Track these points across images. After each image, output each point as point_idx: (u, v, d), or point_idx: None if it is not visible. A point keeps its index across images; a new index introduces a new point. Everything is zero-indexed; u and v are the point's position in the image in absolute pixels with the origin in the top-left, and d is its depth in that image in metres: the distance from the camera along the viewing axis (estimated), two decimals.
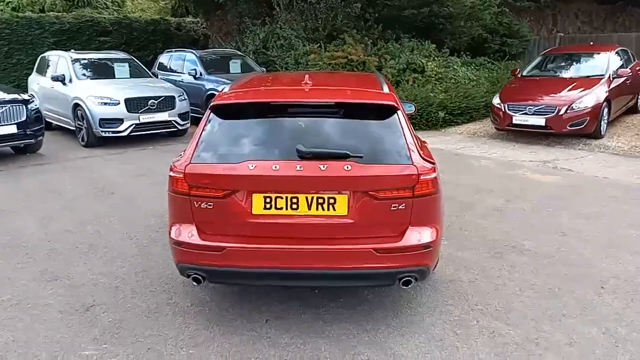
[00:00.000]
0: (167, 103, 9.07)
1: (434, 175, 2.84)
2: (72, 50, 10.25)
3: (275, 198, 2.80)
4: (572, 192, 5.83)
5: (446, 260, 3.94)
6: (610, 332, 3.02)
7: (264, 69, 11.73)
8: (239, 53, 12.42)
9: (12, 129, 7.43)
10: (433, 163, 2.90)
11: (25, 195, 6.03)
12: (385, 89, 3.34)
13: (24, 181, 6.71)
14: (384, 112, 3.00)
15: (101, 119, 8.53)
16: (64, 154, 8.30)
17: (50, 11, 15.85)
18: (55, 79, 9.39)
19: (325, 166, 2.74)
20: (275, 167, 2.76)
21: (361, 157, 2.78)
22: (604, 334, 3.01)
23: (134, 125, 8.70)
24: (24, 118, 7.55)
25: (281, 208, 2.80)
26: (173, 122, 9.18)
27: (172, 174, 2.93)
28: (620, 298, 3.42)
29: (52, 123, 9.82)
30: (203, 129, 2.99)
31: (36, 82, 10.42)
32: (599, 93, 8.23)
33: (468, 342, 2.95)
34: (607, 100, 8.32)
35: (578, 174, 6.65)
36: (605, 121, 8.49)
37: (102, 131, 8.58)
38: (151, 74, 10.63)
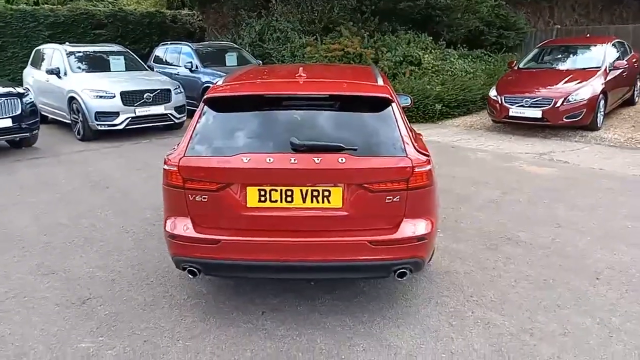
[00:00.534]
0: (163, 96, 9.03)
1: (428, 167, 2.84)
2: (67, 43, 10.18)
3: (270, 191, 2.79)
4: (568, 184, 5.84)
5: (442, 252, 3.95)
6: (605, 323, 3.04)
7: (260, 62, 11.69)
8: (235, 46, 12.37)
9: (7, 123, 7.40)
10: (427, 155, 2.90)
11: (21, 189, 6.02)
12: (380, 82, 3.33)
13: (19, 175, 6.69)
14: (379, 104, 2.99)
15: (97, 112, 8.50)
16: (60, 148, 8.27)
17: (45, 4, 15.72)
18: (50, 72, 9.34)
19: (320, 159, 2.74)
20: (270, 159, 2.76)
21: (355, 149, 2.77)
22: (598, 324, 3.03)
23: (129, 119, 8.66)
24: (19, 112, 7.51)
25: (276, 201, 2.80)
26: (169, 115, 9.15)
27: (166, 167, 2.92)
28: (615, 289, 3.44)
29: (47, 116, 9.78)
30: (197, 122, 2.98)
31: (31, 75, 10.36)
32: (596, 85, 8.23)
33: (463, 333, 2.96)
34: (604, 92, 8.32)
35: (574, 166, 6.66)
36: (602, 113, 8.50)
37: (97, 124, 8.55)
38: (147, 67, 10.58)
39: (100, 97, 8.55)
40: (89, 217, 4.96)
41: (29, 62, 10.76)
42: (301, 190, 2.78)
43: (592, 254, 3.99)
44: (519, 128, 8.83)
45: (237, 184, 2.81)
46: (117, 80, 9.00)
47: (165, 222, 3.01)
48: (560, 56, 9.69)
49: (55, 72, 9.23)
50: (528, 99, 8.27)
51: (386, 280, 3.50)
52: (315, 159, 2.74)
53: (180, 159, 2.85)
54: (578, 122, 8.13)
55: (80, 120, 8.68)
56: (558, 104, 8.00)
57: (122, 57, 10.04)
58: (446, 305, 3.27)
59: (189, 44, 11.64)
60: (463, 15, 13.04)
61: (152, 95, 8.86)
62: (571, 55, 9.53)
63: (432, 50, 11.97)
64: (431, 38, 12.31)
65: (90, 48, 10.32)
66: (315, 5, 12.72)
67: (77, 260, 4.03)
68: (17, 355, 2.82)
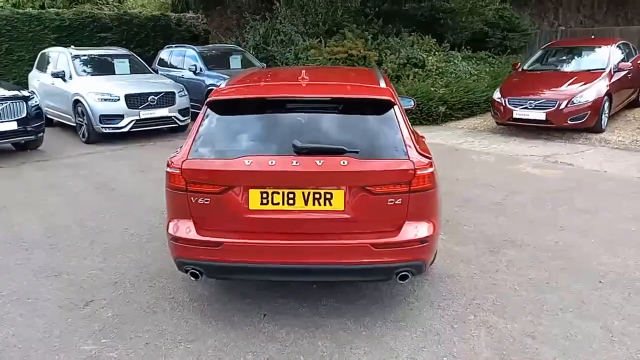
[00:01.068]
0: (167, 99, 9.07)
1: (430, 170, 2.84)
2: (72, 47, 10.24)
3: (272, 193, 2.80)
4: (572, 186, 5.81)
5: (444, 255, 3.94)
6: (607, 326, 3.02)
7: (264, 65, 11.72)
8: (239, 48, 12.41)
9: (13, 126, 7.46)
10: (430, 158, 2.90)
11: (26, 191, 6.06)
12: (383, 84, 3.33)
13: (25, 177, 6.73)
14: (381, 107, 2.99)
15: (101, 115, 8.54)
16: (65, 150, 8.32)
17: (51, 7, 15.82)
18: (55, 75, 9.39)
19: (322, 161, 2.74)
20: (272, 162, 2.76)
21: (357, 152, 2.78)
22: (601, 328, 3.01)
23: (134, 122, 8.70)
24: (24, 114, 7.57)
25: (278, 203, 2.81)
26: (173, 118, 9.19)
27: (169, 169, 2.93)
28: (618, 292, 3.42)
29: (53, 119, 9.84)
30: (200, 125, 3.00)
31: (36, 78, 10.43)
32: (600, 87, 8.19)
33: (465, 337, 2.96)
34: (608, 94, 8.28)
35: (578, 168, 6.64)
36: (606, 115, 8.45)
37: (102, 127, 8.59)
38: (151, 70, 10.63)
39: (105, 100, 8.60)
40: (94, 220, 4.98)
41: (35, 66, 10.83)
42: (303, 193, 2.79)
43: (596, 257, 3.96)
44: (523, 130, 8.79)
45: (239, 186, 2.82)
46: (121, 83, 9.06)
47: (168, 224, 3.02)
48: (564, 58, 9.65)
49: (61, 75, 9.29)
50: (532, 101, 8.24)
51: (388, 283, 3.50)
52: (318, 161, 2.74)
53: (183, 161, 2.87)
54: (582, 124, 8.09)
55: (85, 123, 8.74)
56: (562, 106, 7.97)
57: (126, 60, 10.09)
58: (448, 309, 3.26)
59: (194, 47, 11.69)
60: (467, 17, 13.02)
61: (156, 98, 8.90)
62: (576, 57, 9.49)
63: (436, 52, 11.95)
64: (435, 40, 12.28)
65: (95, 51, 10.39)
66: (319, 8, 12.74)
67: (80, 262, 4.05)
68: (20, 358, 2.84)
